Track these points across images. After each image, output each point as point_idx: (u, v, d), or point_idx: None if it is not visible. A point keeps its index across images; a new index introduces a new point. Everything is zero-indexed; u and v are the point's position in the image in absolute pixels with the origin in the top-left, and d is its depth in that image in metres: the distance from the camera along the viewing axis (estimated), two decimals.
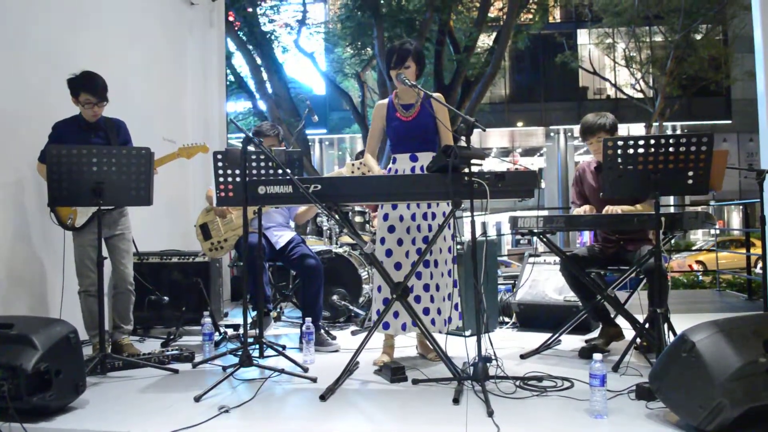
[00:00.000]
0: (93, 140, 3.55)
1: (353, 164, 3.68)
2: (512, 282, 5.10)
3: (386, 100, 3.48)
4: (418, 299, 3.28)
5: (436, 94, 3.25)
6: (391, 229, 3.31)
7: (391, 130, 3.40)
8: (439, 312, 3.32)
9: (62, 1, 4.18)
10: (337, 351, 3.71)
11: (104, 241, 3.45)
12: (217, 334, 3.93)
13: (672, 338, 2.85)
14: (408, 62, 3.27)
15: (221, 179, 3.29)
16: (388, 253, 3.29)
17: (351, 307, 4.68)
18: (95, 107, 3.50)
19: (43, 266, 3.86)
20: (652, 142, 2.87)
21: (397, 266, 3.26)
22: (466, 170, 2.74)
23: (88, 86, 3.45)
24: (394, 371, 2.97)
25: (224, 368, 3.11)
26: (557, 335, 3.54)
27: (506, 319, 4.53)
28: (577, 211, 3.55)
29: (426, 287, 3.30)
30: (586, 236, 18.07)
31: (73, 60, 3.63)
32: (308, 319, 3.47)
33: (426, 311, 3.29)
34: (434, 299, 3.31)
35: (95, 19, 4.50)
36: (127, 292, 3.67)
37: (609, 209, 3.33)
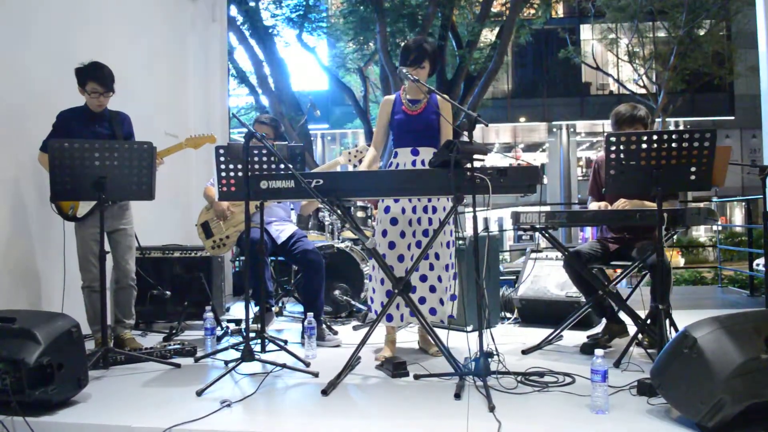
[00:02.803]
0: (97, 129, 3.55)
1: (349, 152, 3.70)
2: (514, 277, 5.10)
3: (394, 95, 3.49)
4: (413, 289, 3.28)
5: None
6: (394, 221, 3.31)
7: (395, 123, 3.40)
8: (438, 302, 3.32)
9: None
10: (338, 346, 3.72)
11: (106, 235, 3.46)
12: (219, 328, 3.95)
13: (674, 334, 2.85)
14: (424, 63, 3.30)
15: (223, 174, 3.29)
16: (391, 245, 3.30)
17: (353, 302, 4.69)
18: (101, 97, 3.51)
19: (44, 261, 3.86)
20: (655, 137, 2.86)
21: (400, 258, 3.28)
22: (469, 165, 2.73)
23: (95, 75, 3.47)
24: (395, 366, 2.97)
25: (226, 363, 3.12)
26: (559, 331, 3.54)
27: (508, 315, 4.54)
28: (597, 205, 3.52)
29: (423, 278, 3.31)
30: (588, 232, 18.04)
31: (76, 55, 3.63)
32: (310, 314, 3.48)
33: (422, 300, 3.30)
34: (435, 289, 3.31)
35: (97, 14, 4.50)
36: (129, 287, 3.68)
37: (621, 203, 3.30)
